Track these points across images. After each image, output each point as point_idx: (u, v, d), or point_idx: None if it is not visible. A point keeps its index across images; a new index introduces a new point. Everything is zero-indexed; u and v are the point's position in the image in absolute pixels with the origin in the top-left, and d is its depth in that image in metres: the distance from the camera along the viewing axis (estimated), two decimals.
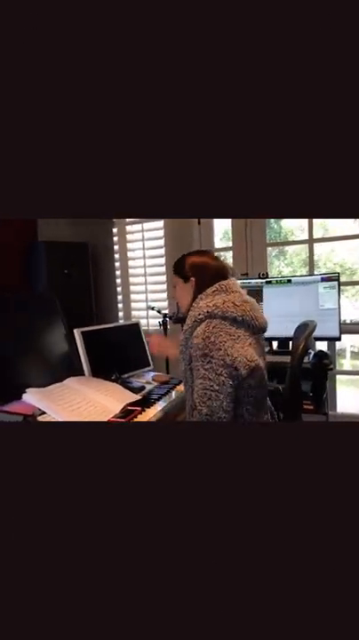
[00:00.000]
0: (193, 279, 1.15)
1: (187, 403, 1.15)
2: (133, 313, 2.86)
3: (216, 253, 2.60)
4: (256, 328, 1.08)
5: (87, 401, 1.21)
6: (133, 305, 2.86)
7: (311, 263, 2.24)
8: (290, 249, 4.98)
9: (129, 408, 1.25)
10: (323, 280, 1.89)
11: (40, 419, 1.12)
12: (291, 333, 1.98)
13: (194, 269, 1.16)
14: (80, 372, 1.49)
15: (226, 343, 0.99)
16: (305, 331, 1.10)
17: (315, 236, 2.24)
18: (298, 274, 3.30)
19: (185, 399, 1.18)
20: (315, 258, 2.27)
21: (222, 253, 2.67)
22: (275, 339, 2.07)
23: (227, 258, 2.51)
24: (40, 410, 1.12)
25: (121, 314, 2.93)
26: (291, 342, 1.99)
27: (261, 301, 2.02)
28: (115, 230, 2.85)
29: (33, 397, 1.13)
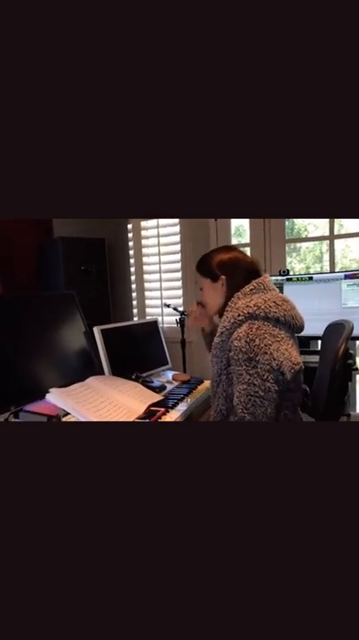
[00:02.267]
0: (223, 277, 1.08)
1: (214, 408, 1.10)
2: (148, 310, 2.83)
3: None
4: (295, 328, 1.03)
5: (110, 402, 1.19)
6: (148, 302, 2.83)
7: (332, 260, 2.19)
8: (303, 245, 4.91)
9: (152, 409, 1.22)
10: (346, 277, 1.84)
11: (64, 419, 1.10)
12: (311, 332, 1.94)
13: (223, 267, 1.08)
14: (99, 371, 1.47)
15: (271, 346, 0.94)
16: (339, 331, 1.06)
17: (325, 232, 2.19)
18: (311, 270, 3.24)
19: (209, 401, 1.15)
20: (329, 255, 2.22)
21: None
22: None
23: None
24: (64, 411, 1.10)
25: (135, 311, 2.90)
26: (311, 342, 1.97)
27: None
28: (129, 226, 2.82)
29: (57, 398, 1.10)
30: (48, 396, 1.12)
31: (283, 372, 0.93)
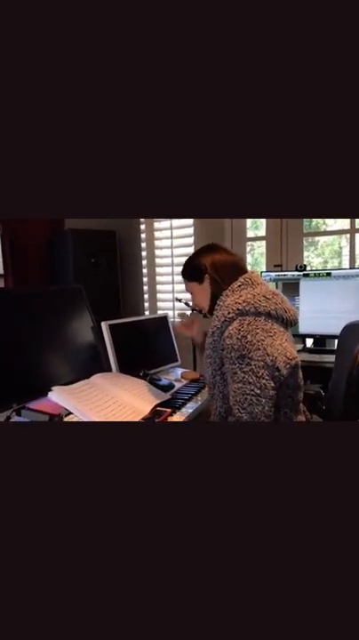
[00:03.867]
0: (206, 276, 1.06)
1: (214, 410, 1.07)
2: (159, 304, 2.79)
3: (248, 243, 2.48)
4: (288, 321, 0.99)
5: (115, 401, 1.15)
6: (159, 296, 2.78)
7: (352, 255, 2.09)
8: (321, 239, 4.75)
9: (158, 409, 1.18)
10: None
11: (67, 419, 1.07)
12: (328, 331, 1.87)
13: (206, 266, 1.06)
14: (107, 367, 1.43)
15: (264, 341, 0.90)
16: (357, 332, 0.98)
17: (344, 226, 2.09)
18: (329, 265, 3.12)
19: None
20: (348, 249, 2.11)
21: (255, 243, 2.55)
22: (310, 336, 1.95)
23: (260, 247, 2.39)
24: (67, 410, 1.06)
25: (146, 304, 2.86)
26: (327, 341, 1.89)
27: (298, 295, 1.89)
28: (142, 219, 2.76)
29: (59, 397, 1.07)
30: (50, 395, 1.08)
31: (279, 367, 0.89)
